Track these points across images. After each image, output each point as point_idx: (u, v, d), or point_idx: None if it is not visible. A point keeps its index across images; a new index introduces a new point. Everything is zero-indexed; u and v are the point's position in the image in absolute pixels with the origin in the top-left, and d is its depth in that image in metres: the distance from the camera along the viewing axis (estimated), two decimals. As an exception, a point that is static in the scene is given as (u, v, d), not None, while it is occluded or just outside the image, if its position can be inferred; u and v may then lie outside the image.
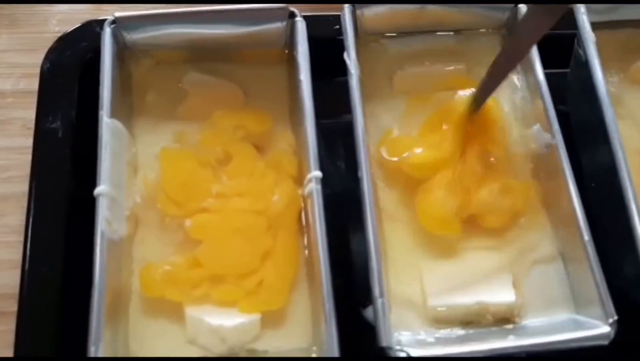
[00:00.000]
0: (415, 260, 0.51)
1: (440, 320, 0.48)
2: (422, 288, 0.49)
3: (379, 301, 0.44)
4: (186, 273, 0.47)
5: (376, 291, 0.44)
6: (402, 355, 0.43)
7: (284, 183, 0.51)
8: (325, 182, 0.49)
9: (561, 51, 0.58)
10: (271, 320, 0.48)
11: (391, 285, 0.49)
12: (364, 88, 0.54)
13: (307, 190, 0.48)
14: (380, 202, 0.52)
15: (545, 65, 0.57)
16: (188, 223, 0.48)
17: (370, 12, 0.54)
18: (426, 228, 0.50)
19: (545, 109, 0.52)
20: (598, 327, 0.45)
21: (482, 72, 0.55)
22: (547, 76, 0.55)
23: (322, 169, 0.48)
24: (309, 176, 0.47)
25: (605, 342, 0.45)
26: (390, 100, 0.56)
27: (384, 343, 0.43)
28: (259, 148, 0.53)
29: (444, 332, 0.48)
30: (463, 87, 0.56)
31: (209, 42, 0.54)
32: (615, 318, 0.45)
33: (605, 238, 0.50)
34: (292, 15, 0.53)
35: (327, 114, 0.53)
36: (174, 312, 0.47)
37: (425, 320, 0.48)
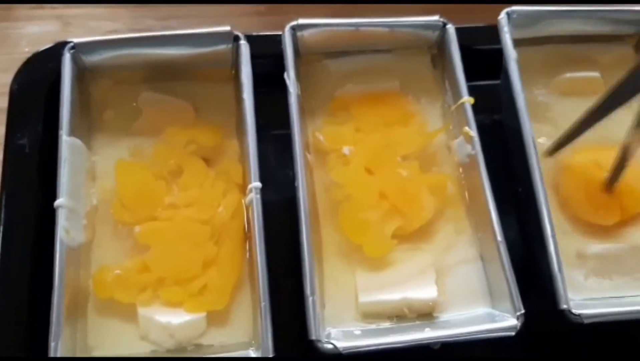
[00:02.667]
0: (350, 261, 0.55)
1: (370, 315, 0.53)
2: (355, 286, 0.54)
3: (309, 299, 0.49)
4: (135, 277, 0.52)
5: (307, 290, 0.50)
6: (329, 346, 0.48)
7: (231, 193, 0.56)
8: (272, 190, 0.54)
9: (497, 63, 0.63)
10: (216, 317, 0.52)
11: (328, 285, 0.55)
12: (306, 104, 0.60)
13: (248, 199, 0.52)
14: (320, 209, 0.57)
15: (482, 77, 0.62)
16: (137, 229, 0.53)
17: (310, 33, 0.59)
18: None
19: (467, 122, 0.56)
20: (507, 320, 0.50)
21: (414, 88, 0.60)
22: (485, 88, 0.61)
23: (267, 178, 0.53)
24: (250, 186, 0.52)
25: (512, 333, 0.50)
26: (331, 116, 0.61)
27: (313, 336, 0.48)
28: (209, 161, 0.58)
29: (372, 326, 0.53)
30: (396, 102, 0.60)
31: (163, 63, 0.59)
32: (522, 311, 0.50)
33: (531, 238, 0.55)
34: (236, 38, 0.57)
35: (276, 127, 0.58)
36: (128, 311, 0.52)
37: (357, 315, 0.53)
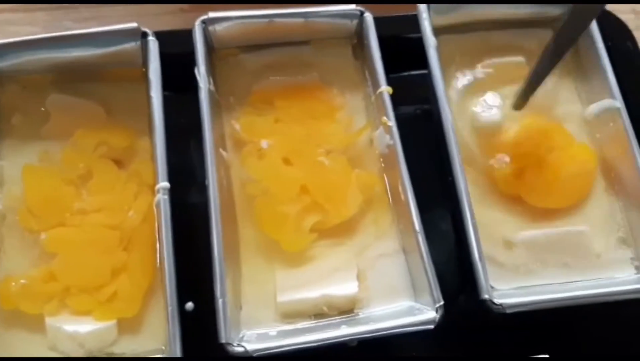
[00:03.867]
0: (268, 259, 0.54)
1: (290, 315, 0.51)
2: (274, 285, 0.52)
3: (219, 302, 0.47)
4: (41, 286, 0.49)
5: (217, 292, 0.48)
6: (240, 349, 0.46)
7: (143, 195, 0.54)
8: (186, 190, 0.52)
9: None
10: (128, 324, 0.50)
11: (246, 285, 0.53)
12: (224, 100, 0.58)
13: (155, 201, 0.50)
14: (236, 206, 0.55)
15: (414, 66, 0.61)
16: (43, 236, 0.51)
17: (222, 26, 0.57)
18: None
19: (386, 112, 0.55)
20: (426, 313, 0.48)
21: (334, 79, 0.59)
22: (416, 77, 0.60)
23: (181, 178, 0.53)
24: (157, 187, 0.50)
25: (431, 326, 0.48)
26: (249, 111, 0.59)
27: (223, 339, 0.46)
28: (121, 162, 0.56)
29: (291, 326, 0.51)
30: (319, 95, 0.58)
31: (71, 65, 0.57)
32: (441, 303, 0.48)
33: (459, 228, 0.53)
34: (144, 35, 0.55)
35: (190, 125, 0.55)
36: (36, 321, 0.50)
37: (277, 316, 0.52)
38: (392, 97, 0.56)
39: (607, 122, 0.57)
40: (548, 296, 0.50)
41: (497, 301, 0.48)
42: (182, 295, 0.50)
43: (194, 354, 0.48)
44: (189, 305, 0.54)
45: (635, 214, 0.54)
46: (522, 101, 0.54)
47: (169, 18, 0.71)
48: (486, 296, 0.48)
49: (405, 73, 0.65)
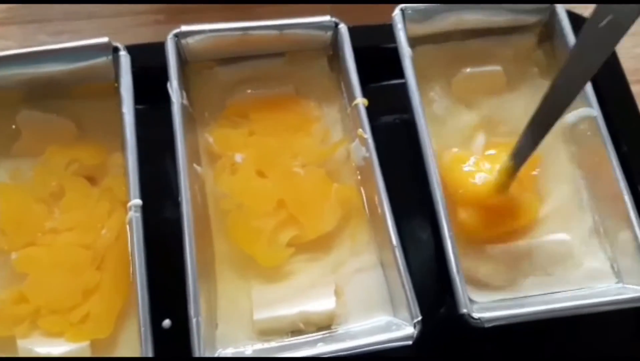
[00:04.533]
0: (244, 275, 0.53)
1: (267, 332, 0.51)
2: (250, 302, 0.51)
3: (193, 321, 0.46)
4: (11, 308, 0.48)
5: (191, 311, 0.47)
6: (215, 371, 0.45)
7: (116, 213, 0.53)
8: (160, 207, 0.51)
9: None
10: (101, 345, 0.49)
11: (220, 302, 0.52)
12: (198, 114, 0.57)
13: (127, 218, 0.49)
14: (211, 222, 0.54)
15: (391, 76, 0.60)
16: (14, 256, 0.50)
17: (195, 39, 0.56)
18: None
19: (361, 124, 0.54)
20: (404, 328, 0.48)
21: (309, 91, 0.58)
22: (395, 87, 0.59)
23: (156, 195, 0.52)
24: (129, 204, 0.49)
25: (410, 342, 0.47)
26: (224, 124, 0.58)
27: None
28: (94, 179, 0.55)
29: (267, 344, 0.50)
30: (294, 107, 0.58)
31: (42, 81, 0.55)
32: (419, 318, 0.47)
33: (438, 241, 0.53)
34: (116, 49, 0.54)
35: (164, 140, 0.54)
36: (7, 343, 0.49)
37: (253, 333, 0.51)
38: (371, 107, 0.56)
39: (585, 131, 0.56)
40: (527, 310, 0.49)
41: (475, 315, 0.48)
42: (159, 312, 0.50)
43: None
44: (166, 323, 0.53)
45: (614, 223, 0.54)
46: (509, 181, 0.53)
47: (143, 30, 0.70)
48: (464, 311, 0.48)
49: (385, 83, 0.64)
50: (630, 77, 0.66)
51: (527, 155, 0.50)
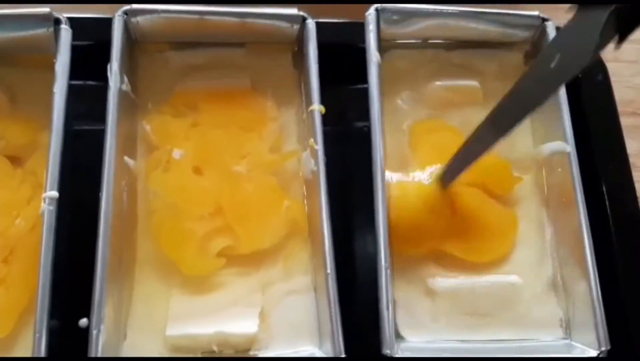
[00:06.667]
0: (167, 282, 0.49)
1: (179, 349, 0.47)
2: (166, 312, 0.47)
3: (93, 334, 0.43)
4: None
5: (93, 322, 0.43)
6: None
7: (35, 202, 0.49)
8: (82, 198, 0.47)
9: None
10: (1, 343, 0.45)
11: (135, 307, 0.48)
12: (141, 100, 0.52)
13: (41, 210, 0.45)
14: (138, 220, 0.51)
15: (360, 78, 0.55)
16: None
17: (146, 19, 0.52)
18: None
19: (314, 133, 0.49)
20: (329, 363, 0.44)
21: (267, 88, 0.53)
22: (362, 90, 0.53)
23: (79, 185, 0.48)
24: (44, 195, 0.45)
25: (327, 380, 0.43)
26: (167, 112, 0.53)
27: (93, 375, 0.42)
28: (19, 160, 0.51)
29: (179, 361, 0.46)
30: (249, 103, 0.53)
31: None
32: (342, 356, 0.43)
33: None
34: (57, 22, 0.50)
35: (98, 125, 0.50)
36: None
37: (164, 349, 0.47)
38: (333, 111, 0.52)
39: (556, 167, 0.51)
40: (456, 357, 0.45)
41: (397, 356, 0.43)
42: (77, 311, 0.46)
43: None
44: (83, 321, 0.48)
45: (571, 272, 0.49)
46: (450, 179, 0.49)
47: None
48: (387, 352, 0.44)
49: (351, 86, 0.59)
50: (624, 108, 0.61)
51: (455, 176, 0.48)
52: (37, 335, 0.42)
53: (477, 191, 0.51)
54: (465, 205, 0.50)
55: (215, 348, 0.46)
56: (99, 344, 0.42)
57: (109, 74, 0.49)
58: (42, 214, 0.45)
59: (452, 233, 0.50)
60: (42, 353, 0.42)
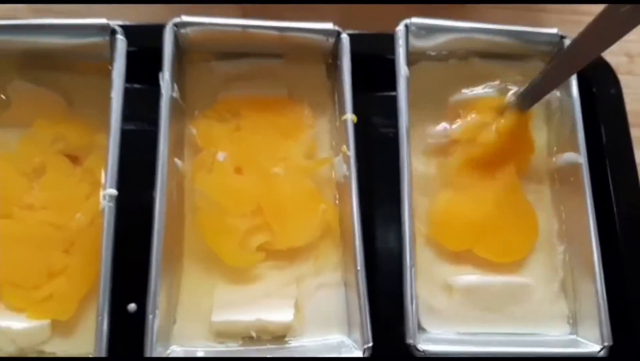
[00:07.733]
0: (211, 274, 0.54)
1: (223, 334, 0.52)
2: (211, 300, 0.52)
3: (149, 318, 0.47)
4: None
5: (149, 307, 0.48)
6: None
7: (95, 197, 0.53)
8: (136, 196, 0.52)
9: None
10: (62, 325, 0.51)
11: (182, 297, 0.53)
12: (188, 106, 0.57)
13: (101, 206, 0.50)
14: (186, 217, 0.55)
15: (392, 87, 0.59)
16: (-12, 225, 0.51)
17: (194, 30, 0.56)
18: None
19: (346, 140, 0.54)
20: (354, 351, 0.49)
21: (303, 97, 0.58)
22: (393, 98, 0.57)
23: (133, 183, 0.52)
24: (103, 193, 0.50)
25: (356, 365, 0.48)
26: (212, 116, 0.58)
27: (148, 353, 0.47)
28: (78, 159, 0.56)
29: (220, 347, 0.51)
30: (286, 111, 0.58)
31: (38, 53, 0.56)
32: (369, 345, 0.48)
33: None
34: (113, 32, 0.54)
35: (151, 128, 0.55)
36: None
37: (209, 334, 0.52)
38: (365, 118, 0.56)
39: (569, 176, 0.55)
40: (473, 349, 0.50)
41: (420, 347, 0.48)
42: (126, 296, 0.51)
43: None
44: (132, 306, 0.53)
45: (580, 274, 0.54)
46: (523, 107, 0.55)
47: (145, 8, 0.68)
48: (411, 341, 0.49)
49: (384, 93, 0.63)
50: (636, 119, 0.65)
51: (535, 101, 0.55)
52: (100, 317, 0.47)
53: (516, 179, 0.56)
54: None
55: (253, 334, 0.50)
56: (154, 327, 0.47)
57: (161, 82, 0.53)
58: (102, 210, 0.50)
59: (487, 229, 0.55)
60: (104, 332, 0.47)
